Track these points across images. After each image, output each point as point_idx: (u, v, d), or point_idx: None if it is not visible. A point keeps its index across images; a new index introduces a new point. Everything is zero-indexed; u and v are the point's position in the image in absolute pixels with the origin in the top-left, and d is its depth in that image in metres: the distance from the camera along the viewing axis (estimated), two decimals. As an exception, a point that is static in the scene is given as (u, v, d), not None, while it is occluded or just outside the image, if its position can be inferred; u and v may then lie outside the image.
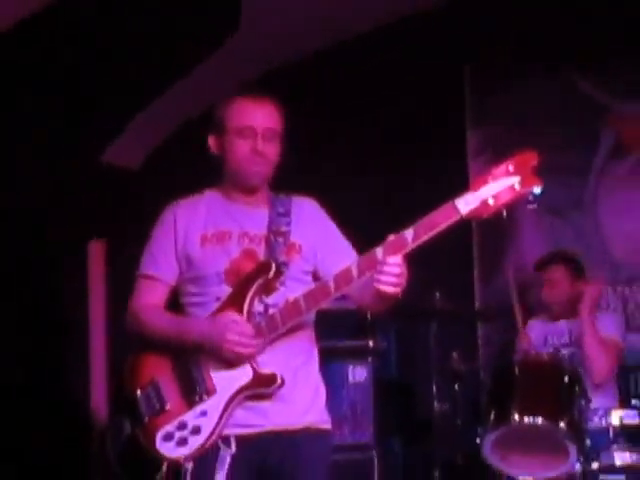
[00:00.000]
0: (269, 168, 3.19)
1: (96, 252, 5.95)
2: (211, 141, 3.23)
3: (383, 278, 2.88)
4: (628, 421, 4.33)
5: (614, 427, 4.33)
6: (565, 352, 4.79)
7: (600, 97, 6.00)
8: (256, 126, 3.13)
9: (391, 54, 6.13)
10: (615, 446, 4.26)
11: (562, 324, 5.18)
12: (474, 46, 6.14)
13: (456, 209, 2.81)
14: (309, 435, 3.14)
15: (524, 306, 5.37)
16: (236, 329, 2.98)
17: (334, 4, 5.57)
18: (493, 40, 6.10)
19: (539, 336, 5.14)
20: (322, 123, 6.06)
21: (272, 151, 3.16)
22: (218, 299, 3.11)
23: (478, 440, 4.39)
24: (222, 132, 3.19)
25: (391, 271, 2.87)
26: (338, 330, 4.71)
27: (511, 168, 2.83)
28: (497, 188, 2.82)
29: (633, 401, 4.56)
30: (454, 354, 5.06)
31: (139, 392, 3.13)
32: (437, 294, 4.91)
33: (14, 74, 4.84)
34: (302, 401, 3.14)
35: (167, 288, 3.22)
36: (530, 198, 2.84)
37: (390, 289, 2.89)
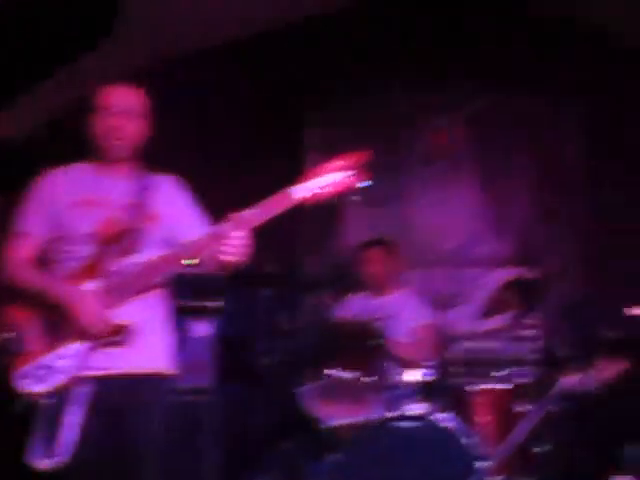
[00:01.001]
0: (126, 143, 3.15)
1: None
2: (89, 121, 3.17)
3: (228, 249, 2.91)
4: (423, 378, 4.44)
5: (411, 382, 4.42)
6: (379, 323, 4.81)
7: (417, 109, 6.16)
8: (113, 105, 3.11)
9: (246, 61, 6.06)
10: (411, 398, 4.34)
11: (377, 300, 5.23)
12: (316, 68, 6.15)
13: (290, 197, 2.87)
14: (154, 379, 3.13)
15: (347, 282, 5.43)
16: (85, 304, 2.95)
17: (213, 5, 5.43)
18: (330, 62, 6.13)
19: (357, 309, 5.19)
20: (190, 113, 5.96)
21: (130, 129, 3.14)
22: (82, 258, 3.06)
23: (299, 390, 4.42)
24: (93, 112, 3.15)
25: (235, 243, 2.91)
26: (186, 291, 4.66)
27: (343, 164, 2.88)
28: (329, 180, 2.87)
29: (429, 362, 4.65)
30: (282, 316, 5.07)
31: (6, 334, 3.04)
32: (269, 263, 4.91)
33: None
34: (150, 349, 3.13)
35: (36, 243, 3.14)
36: (355, 191, 2.89)
37: (233, 258, 2.94)
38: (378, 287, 5.26)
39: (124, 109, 3.13)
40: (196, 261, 3.03)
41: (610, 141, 5.80)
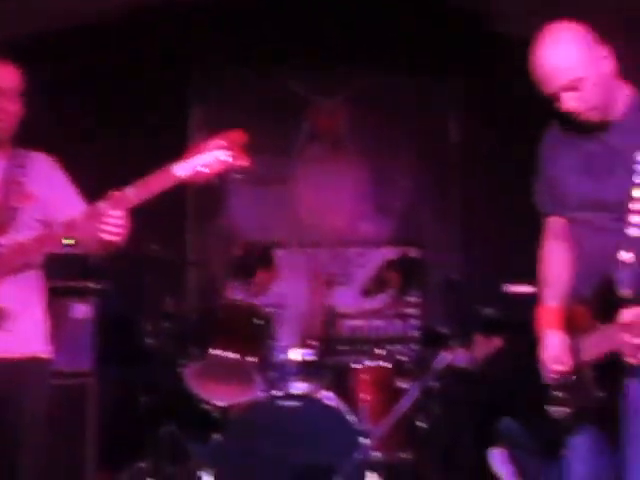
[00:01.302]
0: (6, 124, 3.03)
1: None
2: None
3: (106, 228, 2.85)
4: (305, 357, 4.48)
5: (294, 362, 4.44)
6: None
7: (302, 91, 6.16)
8: None
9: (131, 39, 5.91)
10: (294, 377, 4.37)
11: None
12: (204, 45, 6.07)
13: (173, 174, 2.81)
14: (32, 364, 3.05)
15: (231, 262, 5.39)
16: None
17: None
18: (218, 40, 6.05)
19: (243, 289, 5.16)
20: (65, 92, 5.77)
21: (10, 109, 3.02)
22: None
23: (184, 371, 4.38)
24: None
25: (113, 222, 2.84)
26: (65, 271, 4.53)
27: (224, 143, 2.85)
28: (210, 158, 2.83)
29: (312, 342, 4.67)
30: (166, 297, 5.01)
31: None
32: (153, 244, 4.84)
33: None
34: (26, 332, 3.05)
35: None
36: (237, 170, 2.87)
37: (111, 238, 2.87)
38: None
39: (3, 88, 3.00)
40: (73, 241, 2.96)
41: (486, 120, 5.94)
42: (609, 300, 2.50)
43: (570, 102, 2.56)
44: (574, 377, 2.65)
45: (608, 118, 2.62)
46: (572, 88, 2.55)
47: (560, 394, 2.68)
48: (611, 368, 2.53)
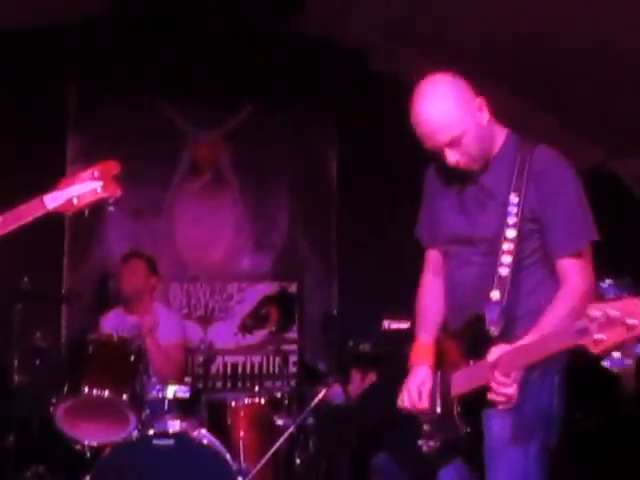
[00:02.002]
0: None
1: None
2: None
3: None
4: (180, 395, 4.40)
5: (168, 399, 4.36)
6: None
7: (181, 124, 6.13)
8: None
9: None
10: (168, 415, 4.29)
11: (134, 318, 5.05)
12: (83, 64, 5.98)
13: (43, 204, 2.72)
14: None
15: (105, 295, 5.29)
16: None
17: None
18: (97, 63, 5.98)
19: (114, 325, 5.02)
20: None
21: None
22: None
23: (54, 409, 4.24)
24: None
25: None
26: None
27: (96, 173, 2.78)
28: (81, 189, 2.77)
29: (187, 379, 4.62)
30: (37, 332, 4.86)
31: None
32: (25, 278, 4.69)
33: None
34: None
35: None
36: (110, 201, 2.81)
37: None
38: (134, 302, 5.13)
39: None
40: None
41: (359, 154, 6.06)
42: (478, 336, 2.56)
43: (452, 157, 2.62)
44: (438, 411, 2.69)
45: (487, 161, 2.70)
46: (452, 145, 2.61)
47: (427, 427, 2.71)
48: (477, 403, 2.58)
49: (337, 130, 6.26)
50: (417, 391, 2.72)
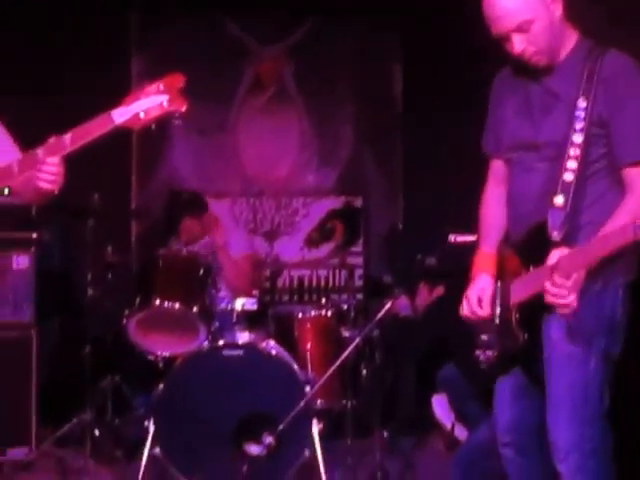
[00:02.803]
0: None
1: None
2: None
3: (42, 176, 2.75)
4: (248, 307, 4.46)
5: (237, 312, 4.41)
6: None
7: (245, 40, 6.07)
8: None
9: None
10: (237, 327, 4.35)
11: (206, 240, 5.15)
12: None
13: (111, 119, 2.73)
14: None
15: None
16: None
17: None
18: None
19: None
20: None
21: None
22: None
23: (125, 321, 4.34)
24: None
25: (49, 170, 2.76)
26: (4, 222, 4.44)
27: (161, 87, 2.78)
28: (148, 104, 2.76)
29: (254, 292, 4.67)
30: (109, 248, 4.95)
31: None
32: (96, 195, 4.76)
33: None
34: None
35: None
36: (176, 115, 2.81)
37: (47, 186, 2.77)
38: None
39: None
40: (7, 190, 2.87)
41: (424, 71, 5.92)
42: (539, 243, 2.52)
43: (519, 44, 2.55)
44: (497, 321, 2.67)
45: (554, 62, 2.62)
46: (521, 30, 2.54)
47: (485, 337, 2.70)
48: (536, 311, 2.56)
49: (402, 49, 6.11)
50: (477, 299, 2.72)
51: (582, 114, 2.51)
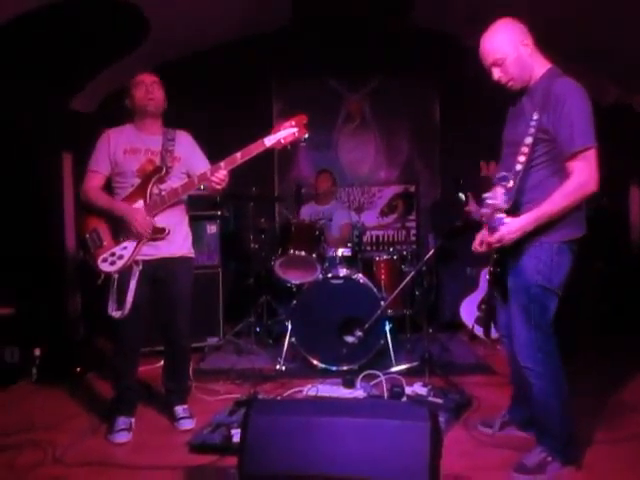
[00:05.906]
0: (158, 104, 3.02)
1: (67, 161, 5.34)
2: (125, 100, 3.06)
3: (215, 179, 2.85)
4: (346, 253, 4.48)
5: (339, 256, 4.44)
6: (322, 222, 4.75)
7: (340, 90, 6.02)
8: (145, 80, 3.00)
9: (230, 59, 5.73)
10: (339, 266, 4.37)
11: (321, 208, 5.17)
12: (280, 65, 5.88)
13: (263, 143, 2.80)
14: (183, 260, 3.11)
15: (300, 196, 5.35)
16: (138, 217, 2.89)
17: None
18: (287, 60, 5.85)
19: (308, 213, 5.14)
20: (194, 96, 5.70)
21: (157, 95, 3.01)
22: (132, 185, 3.00)
23: (273, 263, 4.42)
24: (128, 91, 3.03)
25: (221, 177, 2.85)
26: (201, 205, 4.59)
27: (292, 123, 2.82)
28: (285, 133, 2.82)
29: (349, 244, 4.67)
30: (262, 219, 5.04)
31: (87, 235, 2.99)
32: (253, 187, 4.85)
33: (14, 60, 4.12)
34: (179, 241, 3.11)
35: (103, 177, 3.06)
36: (302, 140, 2.84)
37: (218, 187, 2.89)
38: (322, 199, 5.21)
39: (152, 81, 3.01)
40: (203, 187, 2.98)
41: (455, 109, 5.74)
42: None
43: (496, 74, 2.45)
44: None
45: (526, 86, 2.48)
46: (496, 64, 2.43)
47: (496, 256, 2.54)
48: (503, 254, 2.46)
49: (438, 91, 5.93)
50: (479, 241, 2.66)
51: (534, 123, 2.36)
